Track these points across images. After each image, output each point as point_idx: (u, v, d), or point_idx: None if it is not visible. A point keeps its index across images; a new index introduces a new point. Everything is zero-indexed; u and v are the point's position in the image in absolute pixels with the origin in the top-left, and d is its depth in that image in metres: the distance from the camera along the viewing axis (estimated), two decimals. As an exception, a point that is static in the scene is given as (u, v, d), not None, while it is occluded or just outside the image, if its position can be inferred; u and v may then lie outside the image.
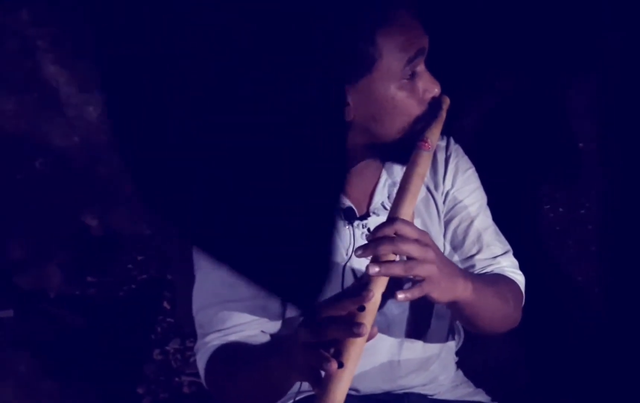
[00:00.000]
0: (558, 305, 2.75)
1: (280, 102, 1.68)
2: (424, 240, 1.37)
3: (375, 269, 1.31)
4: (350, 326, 1.23)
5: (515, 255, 1.80)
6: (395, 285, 1.37)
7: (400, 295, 1.35)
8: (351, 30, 1.48)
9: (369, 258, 1.44)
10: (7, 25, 2.96)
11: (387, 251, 1.33)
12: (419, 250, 1.35)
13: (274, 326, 1.62)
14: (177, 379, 2.85)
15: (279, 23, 1.61)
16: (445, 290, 1.41)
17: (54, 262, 3.27)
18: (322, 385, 1.24)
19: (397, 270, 1.33)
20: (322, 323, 1.25)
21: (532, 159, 2.98)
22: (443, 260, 1.43)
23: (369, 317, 1.27)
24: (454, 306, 1.51)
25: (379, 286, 1.32)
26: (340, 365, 1.23)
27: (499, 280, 1.70)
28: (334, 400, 1.23)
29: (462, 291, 1.46)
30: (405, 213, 1.42)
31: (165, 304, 3.10)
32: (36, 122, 3.07)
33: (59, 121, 3.06)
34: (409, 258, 1.35)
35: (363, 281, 1.33)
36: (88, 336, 2.94)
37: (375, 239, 1.34)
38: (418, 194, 1.49)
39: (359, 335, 1.22)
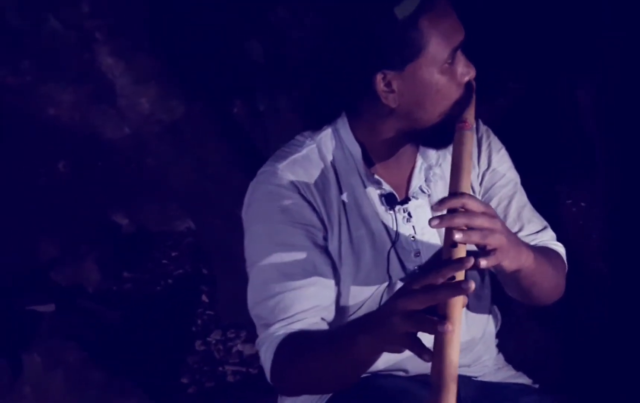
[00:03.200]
0: (583, 294, 2.79)
1: (326, 94, 1.73)
2: (490, 212, 1.42)
3: (459, 235, 1.36)
4: (459, 284, 1.25)
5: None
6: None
7: (479, 262, 1.37)
8: (394, 18, 1.52)
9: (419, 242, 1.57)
10: (67, 17, 3.00)
11: (460, 223, 1.37)
12: (489, 221, 1.39)
13: (330, 313, 1.65)
14: (220, 369, 2.89)
15: (328, 15, 1.64)
16: (514, 259, 1.46)
17: (89, 259, 3.32)
18: (433, 352, 1.27)
19: (475, 238, 1.38)
20: (429, 290, 1.28)
21: (548, 157, 3.01)
22: (508, 231, 1.47)
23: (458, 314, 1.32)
24: (517, 275, 1.54)
25: (462, 254, 1.37)
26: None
27: (547, 251, 1.75)
28: (451, 362, 1.26)
29: (526, 259, 1.51)
30: (465, 188, 1.46)
31: (204, 297, 3.15)
32: (89, 112, 3.09)
33: (112, 112, 3.08)
34: (478, 229, 1.39)
35: (443, 257, 1.37)
36: (130, 329, 2.98)
37: (448, 213, 1.39)
38: (471, 171, 1.54)
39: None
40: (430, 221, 1.38)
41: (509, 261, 1.45)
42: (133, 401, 2.64)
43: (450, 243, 1.37)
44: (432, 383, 1.26)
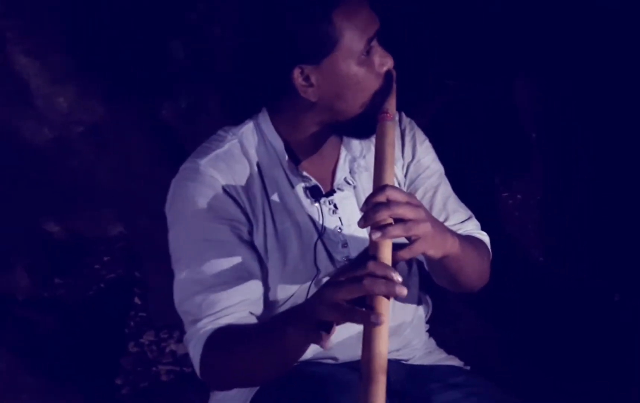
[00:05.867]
0: (520, 282, 2.85)
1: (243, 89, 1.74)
2: (414, 202, 1.44)
3: (377, 234, 1.37)
4: (384, 278, 1.29)
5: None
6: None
7: (403, 254, 1.42)
8: (308, 12, 1.55)
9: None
10: None
11: (384, 217, 1.39)
12: (413, 211, 1.41)
13: (258, 307, 1.66)
14: (154, 369, 2.90)
15: (242, 14, 1.66)
16: (439, 246, 1.49)
17: (19, 267, 3.27)
18: (363, 344, 1.29)
19: (397, 232, 1.39)
20: (354, 281, 1.30)
21: (486, 151, 3.07)
22: (432, 218, 1.50)
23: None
24: (443, 261, 1.58)
25: (387, 249, 1.38)
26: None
27: (472, 239, 1.79)
28: (380, 354, 1.28)
29: (451, 245, 1.54)
30: (388, 180, 1.48)
31: (137, 299, 3.14)
32: (7, 115, 3.06)
33: (30, 113, 3.06)
34: (403, 220, 1.41)
35: (370, 251, 1.38)
36: (63, 334, 2.96)
37: (372, 207, 1.40)
38: (394, 162, 1.56)
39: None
40: (358, 223, 1.41)
41: (434, 250, 1.48)
42: (66, 404, 2.64)
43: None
44: (361, 374, 1.29)
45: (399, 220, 1.40)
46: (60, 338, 2.94)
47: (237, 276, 1.62)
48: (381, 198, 1.40)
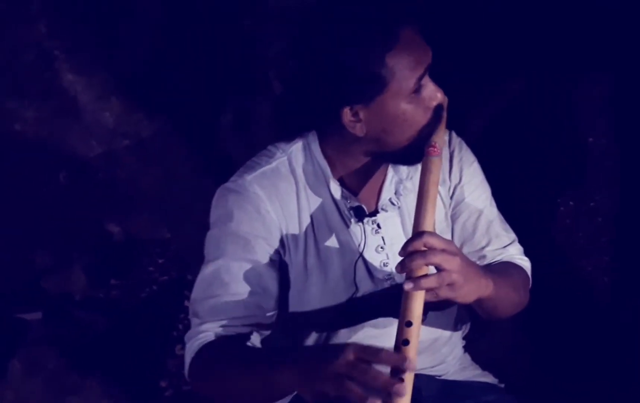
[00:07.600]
0: (569, 294, 2.81)
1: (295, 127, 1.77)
2: (450, 249, 1.46)
3: (410, 285, 1.41)
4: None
5: (528, 247, 1.88)
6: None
7: (428, 298, 1.45)
8: (363, 56, 1.55)
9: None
10: (26, 37, 3.08)
11: (420, 265, 1.43)
12: (447, 261, 1.44)
13: (266, 327, 1.68)
14: (198, 372, 2.93)
15: (295, 54, 1.67)
16: (469, 293, 1.52)
17: (78, 267, 3.35)
18: None
19: (431, 283, 1.43)
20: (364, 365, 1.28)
21: (541, 156, 3.03)
22: (468, 264, 1.52)
23: (413, 351, 1.37)
24: (477, 301, 1.59)
25: (419, 300, 1.42)
26: None
27: (511, 270, 1.79)
28: None
29: (484, 290, 1.56)
30: (428, 223, 1.51)
31: (186, 303, 3.18)
32: (55, 129, 3.17)
33: (77, 127, 3.15)
34: (439, 268, 1.45)
35: (402, 299, 1.42)
36: (113, 335, 3.03)
37: (408, 254, 1.44)
38: (436, 201, 1.58)
39: (412, 368, 1.31)
40: (395, 268, 1.45)
41: (463, 297, 1.51)
42: (110, 404, 2.69)
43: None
44: None
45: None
46: (110, 339, 3.00)
47: (249, 291, 1.65)
48: (418, 245, 1.43)
